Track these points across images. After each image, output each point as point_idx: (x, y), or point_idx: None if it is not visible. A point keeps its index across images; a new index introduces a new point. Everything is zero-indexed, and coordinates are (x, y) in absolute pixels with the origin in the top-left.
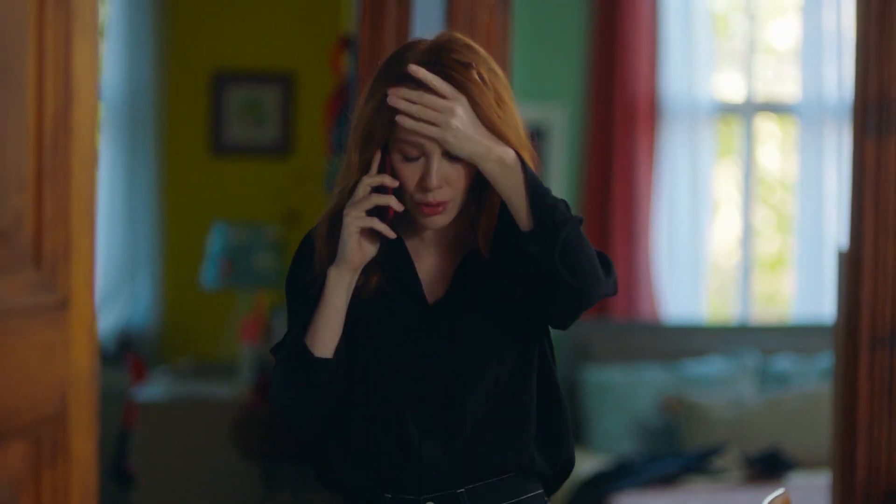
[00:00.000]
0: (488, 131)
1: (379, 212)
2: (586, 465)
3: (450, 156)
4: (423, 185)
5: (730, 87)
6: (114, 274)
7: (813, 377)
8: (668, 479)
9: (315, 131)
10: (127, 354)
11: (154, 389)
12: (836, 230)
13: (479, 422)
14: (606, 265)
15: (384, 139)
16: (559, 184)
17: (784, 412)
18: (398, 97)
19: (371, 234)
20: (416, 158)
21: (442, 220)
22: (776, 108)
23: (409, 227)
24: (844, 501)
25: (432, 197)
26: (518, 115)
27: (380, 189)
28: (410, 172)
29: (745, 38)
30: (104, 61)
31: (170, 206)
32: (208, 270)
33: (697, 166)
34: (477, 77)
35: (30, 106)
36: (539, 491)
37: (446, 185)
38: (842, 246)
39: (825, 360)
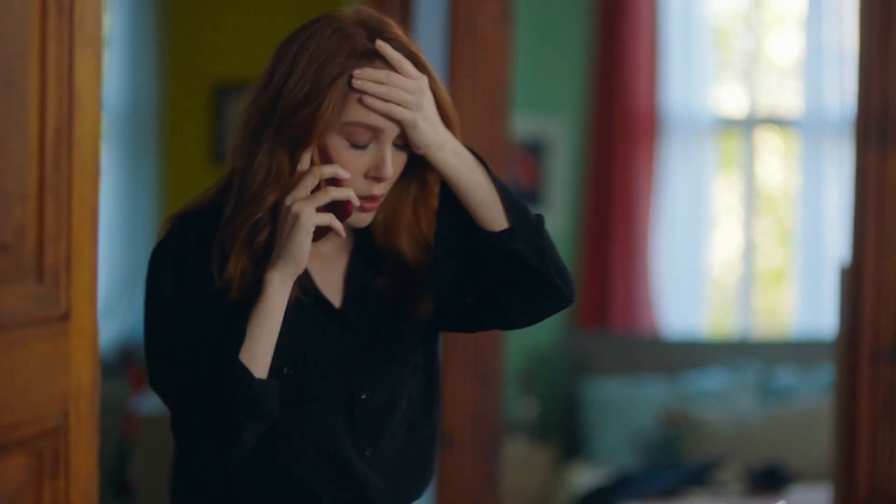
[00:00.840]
0: (441, 119)
1: (333, 208)
2: (587, 478)
3: (397, 143)
4: (374, 174)
5: (731, 100)
6: (115, 285)
7: (814, 391)
8: (668, 493)
9: None
10: (127, 366)
11: (155, 401)
12: (837, 244)
13: (399, 445)
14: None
15: (334, 125)
16: (559, 196)
17: (785, 426)
18: (364, 78)
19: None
20: (365, 146)
21: (370, 218)
22: (777, 122)
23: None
24: None
25: (378, 189)
26: None
27: (331, 182)
28: (356, 161)
29: (746, 52)
30: (106, 73)
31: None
32: None
33: (698, 180)
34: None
35: (32, 118)
36: None
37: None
38: (843, 260)
39: (826, 374)
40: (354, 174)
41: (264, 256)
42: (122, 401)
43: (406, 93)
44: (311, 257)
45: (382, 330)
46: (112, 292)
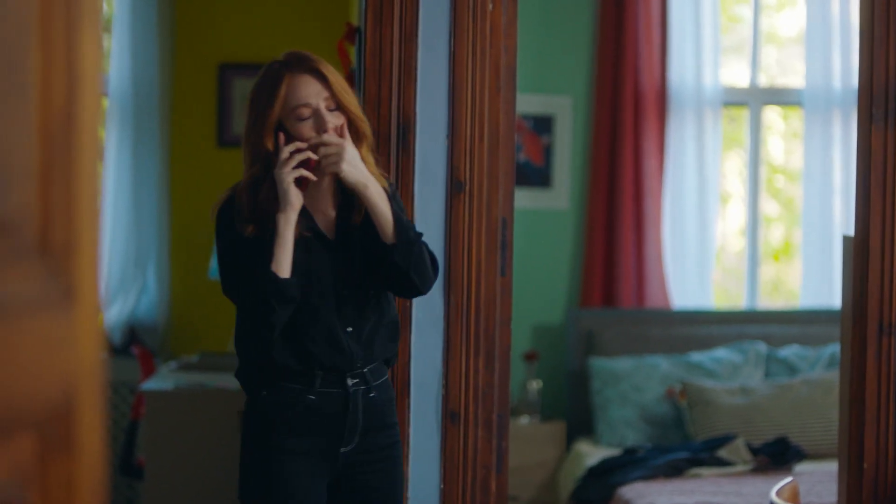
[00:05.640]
0: (353, 133)
1: (302, 165)
2: (593, 457)
3: (330, 107)
4: (320, 129)
5: (737, 76)
6: (121, 266)
7: (820, 365)
8: (675, 470)
9: None
10: (135, 346)
11: (162, 380)
12: (842, 219)
13: (372, 324)
14: (435, 265)
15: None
16: (566, 174)
17: (791, 400)
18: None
19: (297, 185)
20: (309, 117)
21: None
22: (783, 97)
23: (309, 195)
24: (852, 490)
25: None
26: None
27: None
28: (307, 129)
29: (751, 27)
30: (110, 55)
31: (176, 198)
32: (215, 261)
33: (704, 156)
34: None
35: (35, 97)
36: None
37: (333, 130)
38: (848, 232)
39: (832, 349)
40: (315, 133)
41: (270, 209)
42: (131, 381)
43: (331, 150)
44: (315, 212)
45: (358, 253)
46: (119, 273)
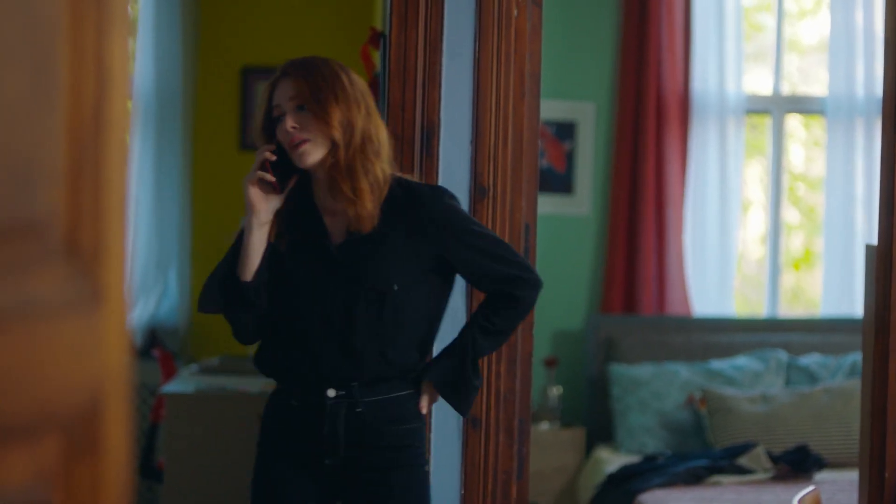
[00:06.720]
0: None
1: (263, 167)
2: (613, 463)
3: (299, 107)
4: (285, 130)
5: (760, 83)
6: (143, 269)
7: (841, 374)
8: (695, 477)
9: None
10: (156, 349)
11: (183, 383)
12: (864, 227)
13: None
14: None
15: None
16: (588, 180)
17: (812, 408)
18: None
19: (268, 189)
20: (281, 116)
21: (309, 154)
22: (805, 105)
23: (319, 198)
24: (874, 499)
25: (294, 136)
26: None
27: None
28: (281, 127)
29: (774, 35)
30: (134, 57)
31: (198, 201)
32: None
33: (726, 163)
34: None
35: (64, 99)
36: (410, 391)
37: (302, 128)
38: (870, 240)
39: (853, 358)
40: (285, 136)
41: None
42: (152, 384)
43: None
44: (329, 216)
45: (365, 262)
46: (140, 276)
